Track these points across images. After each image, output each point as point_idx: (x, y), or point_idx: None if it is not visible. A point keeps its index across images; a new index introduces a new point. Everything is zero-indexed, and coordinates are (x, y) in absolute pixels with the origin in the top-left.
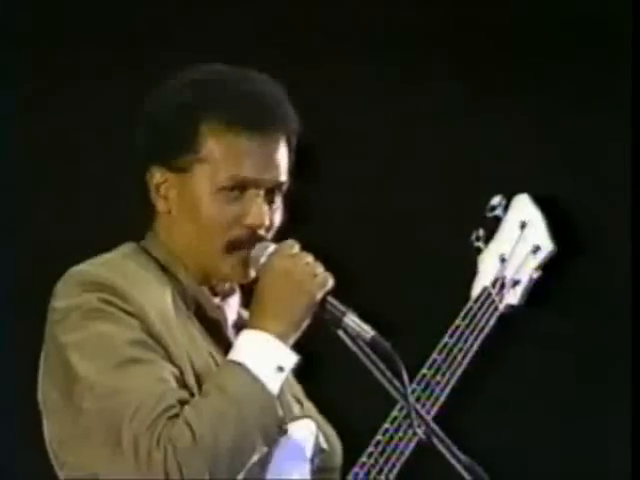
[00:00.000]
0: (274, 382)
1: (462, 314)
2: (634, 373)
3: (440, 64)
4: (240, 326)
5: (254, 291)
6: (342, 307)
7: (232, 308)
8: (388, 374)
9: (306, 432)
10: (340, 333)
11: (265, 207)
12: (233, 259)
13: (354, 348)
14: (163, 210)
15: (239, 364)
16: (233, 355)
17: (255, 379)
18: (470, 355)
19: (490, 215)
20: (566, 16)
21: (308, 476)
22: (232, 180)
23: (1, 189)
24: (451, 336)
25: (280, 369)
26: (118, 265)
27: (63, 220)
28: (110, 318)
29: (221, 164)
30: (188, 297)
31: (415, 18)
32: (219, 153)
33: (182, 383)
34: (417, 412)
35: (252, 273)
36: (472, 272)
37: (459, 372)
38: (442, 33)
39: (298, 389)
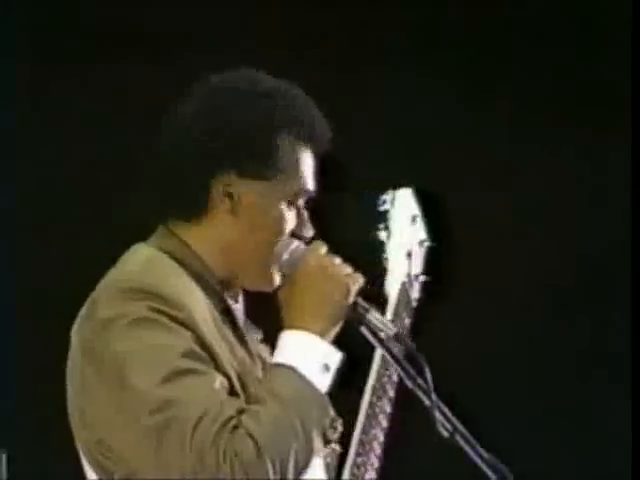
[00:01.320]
0: (323, 381)
1: (392, 312)
2: (634, 372)
3: None
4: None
5: (288, 290)
6: (366, 304)
7: (240, 310)
8: (411, 372)
9: None
10: (363, 330)
11: None
12: (275, 268)
13: (377, 345)
14: (226, 210)
15: (288, 367)
16: (279, 357)
17: (306, 381)
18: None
19: (381, 210)
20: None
21: (323, 470)
22: (299, 193)
23: (1, 189)
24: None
25: (326, 367)
26: (157, 270)
27: (63, 221)
28: (161, 328)
29: (293, 176)
30: (217, 297)
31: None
32: (293, 165)
33: (230, 390)
34: (440, 410)
35: (277, 280)
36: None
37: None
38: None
39: None
